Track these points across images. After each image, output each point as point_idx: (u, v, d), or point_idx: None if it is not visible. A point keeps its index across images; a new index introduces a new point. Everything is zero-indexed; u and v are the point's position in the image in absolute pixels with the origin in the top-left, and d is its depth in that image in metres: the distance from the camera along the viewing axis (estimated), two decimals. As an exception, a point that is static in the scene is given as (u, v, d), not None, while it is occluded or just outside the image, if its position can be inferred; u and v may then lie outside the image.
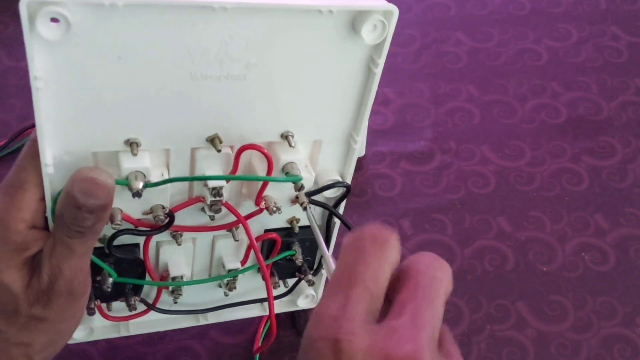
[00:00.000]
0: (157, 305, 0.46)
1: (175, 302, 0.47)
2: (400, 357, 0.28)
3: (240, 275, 0.47)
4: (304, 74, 0.39)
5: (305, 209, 0.42)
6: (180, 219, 0.41)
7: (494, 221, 0.59)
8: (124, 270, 0.43)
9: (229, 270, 0.46)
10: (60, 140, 0.36)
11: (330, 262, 0.37)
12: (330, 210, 0.44)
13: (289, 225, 0.45)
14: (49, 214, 0.37)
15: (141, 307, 0.46)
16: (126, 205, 0.38)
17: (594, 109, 0.67)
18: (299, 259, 0.46)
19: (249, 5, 0.36)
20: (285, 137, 0.40)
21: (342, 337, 0.28)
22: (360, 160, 0.63)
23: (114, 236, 0.39)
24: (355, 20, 0.37)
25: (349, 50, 0.39)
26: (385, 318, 0.30)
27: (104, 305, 0.45)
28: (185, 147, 0.39)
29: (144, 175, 0.37)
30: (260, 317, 0.52)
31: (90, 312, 0.43)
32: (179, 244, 0.43)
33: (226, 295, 0.48)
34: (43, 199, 0.37)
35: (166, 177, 0.39)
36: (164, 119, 0.38)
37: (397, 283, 0.32)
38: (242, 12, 0.36)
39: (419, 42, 0.72)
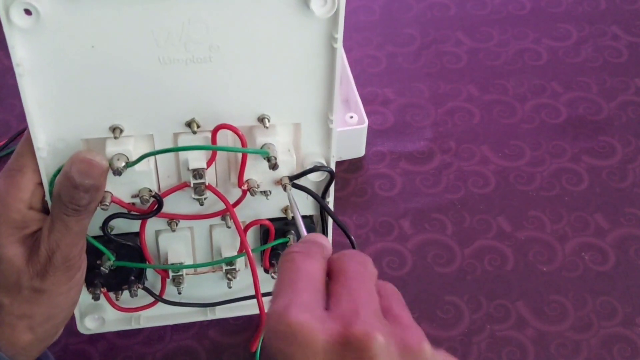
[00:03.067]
0: (165, 297, 0.48)
1: (180, 293, 0.48)
2: (356, 336, 0.31)
3: (243, 269, 0.48)
4: (268, 55, 0.40)
5: (284, 188, 0.43)
6: (174, 206, 0.44)
7: (494, 221, 0.59)
8: (125, 258, 0.45)
9: (221, 254, 0.47)
10: (51, 127, 0.40)
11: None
12: (311, 195, 0.45)
13: (283, 215, 0.46)
14: (47, 195, 0.41)
15: (149, 299, 0.48)
16: (115, 189, 0.41)
17: (594, 109, 0.67)
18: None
19: None
20: (261, 120, 0.42)
21: (295, 324, 0.31)
22: (360, 160, 0.63)
23: (108, 219, 0.42)
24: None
25: (306, 28, 0.40)
26: (329, 308, 0.33)
27: (113, 296, 0.47)
28: (167, 132, 0.42)
29: (127, 157, 0.40)
30: (261, 316, 0.52)
31: (95, 297, 0.45)
32: (173, 231, 0.45)
33: (229, 287, 0.49)
34: (40, 183, 0.41)
35: (152, 163, 0.42)
36: (143, 105, 0.40)
37: (330, 279, 0.35)
38: None
39: (418, 42, 0.72)
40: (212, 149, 0.41)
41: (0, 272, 0.40)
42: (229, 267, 0.48)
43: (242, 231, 0.44)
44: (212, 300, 0.49)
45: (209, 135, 0.41)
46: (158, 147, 0.42)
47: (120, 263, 0.44)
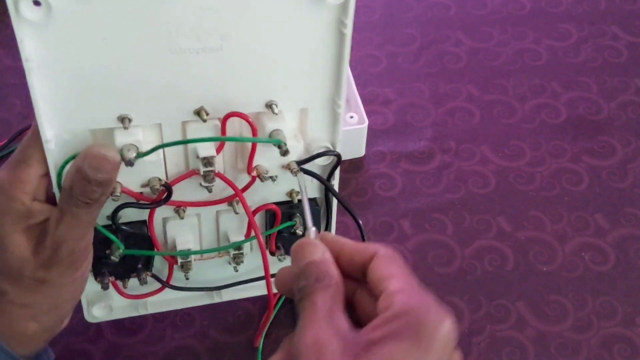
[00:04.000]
0: (171, 283, 0.48)
1: (187, 279, 0.49)
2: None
3: (249, 252, 0.49)
4: (278, 42, 0.41)
5: (295, 174, 0.43)
6: (181, 194, 0.44)
7: (494, 221, 0.59)
8: (133, 246, 0.45)
9: (228, 238, 0.48)
10: (58, 119, 0.39)
11: (311, 231, 0.37)
12: (319, 180, 0.45)
13: (289, 199, 0.47)
14: (54, 187, 0.40)
15: (156, 285, 0.48)
16: (125, 179, 0.41)
17: (594, 108, 0.67)
18: (300, 229, 0.47)
19: None
20: (269, 106, 0.42)
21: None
22: (360, 160, 0.63)
23: (118, 209, 0.42)
24: None
25: (317, 14, 0.40)
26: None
27: (120, 283, 0.47)
28: (175, 121, 0.41)
29: (137, 148, 0.40)
30: (262, 315, 0.52)
31: (104, 287, 0.46)
32: (182, 218, 0.45)
33: (236, 271, 0.50)
34: (45, 175, 0.40)
35: (160, 152, 0.41)
36: (152, 94, 0.40)
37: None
38: None
39: (418, 42, 0.72)
40: (225, 139, 0.41)
41: (3, 260, 0.40)
42: (236, 252, 0.48)
43: (252, 216, 0.45)
44: (218, 284, 0.50)
45: (218, 123, 0.41)
46: (166, 136, 0.42)
47: (130, 251, 0.44)
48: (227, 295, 0.51)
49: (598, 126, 0.66)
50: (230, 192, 0.44)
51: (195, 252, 0.47)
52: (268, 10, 0.39)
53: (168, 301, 0.50)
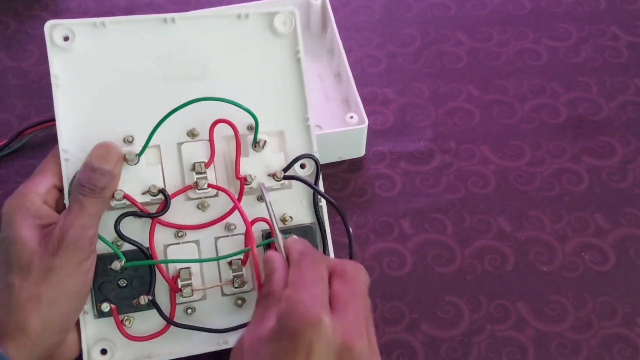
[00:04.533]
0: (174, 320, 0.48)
1: (189, 312, 0.48)
2: (295, 322, 0.38)
3: (254, 291, 0.49)
4: (248, 71, 0.50)
5: (280, 180, 0.49)
6: (180, 218, 0.49)
7: (494, 221, 0.59)
8: (135, 275, 0.48)
9: (231, 264, 0.49)
10: (74, 130, 0.48)
11: (279, 240, 0.45)
12: (303, 181, 0.50)
13: (282, 225, 0.50)
14: (65, 197, 0.46)
15: (158, 322, 0.48)
16: (127, 187, 0.46)
17: (594, 109, 0.67)
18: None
19: (191, 15, 0.50)
20: (250, 128, 0.50)
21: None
22: (360, 160, 0.63)
23: (120, 218, 0.46)
24: (271, 20, 0.50)
25: (276, 47, 0.51)
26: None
27: (126, 323, 0.47)
28: (172, 142, 0.49)
29: (136, 153, 0.47)
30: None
31: (103, 312, 0.47)
32: (180, 238, 0.49)
33: (239, 305, 0.49)
34: (57, 186, 0.47)
35: (159, 169, 0.48)
36: (151, 118, 0.46)
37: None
38: (187, 21, 0.49)
39: (418, 42, 0.72)
40: (210, 99, 0.46)
41: (13, 252, 0.43)
42: (238, 289, 0.49)
43: (247, 219, 0.47)
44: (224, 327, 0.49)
45: (207, 139, 0.48)
46: (165, 157, 0.49)
47: (130, 264, 0.46)
48: (233, 340, 0.49)
49: (598, 126, 0.66)
50: (226, 210, 0.49)
51: (191, 261, 0.48)
52: (236, 45, 0.50)
53: (171, 352, 0.49)
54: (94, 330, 0.47)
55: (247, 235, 0.46)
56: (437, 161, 0.63)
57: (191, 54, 0.49)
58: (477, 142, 0.64)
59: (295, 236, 0.46)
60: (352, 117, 0.61)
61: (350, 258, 0.49)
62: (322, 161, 0.62)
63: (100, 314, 0.47)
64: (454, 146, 0.64)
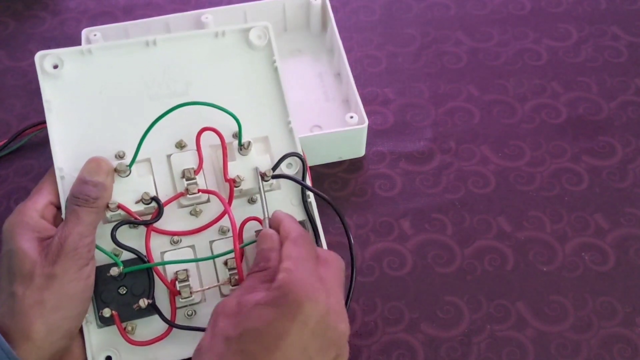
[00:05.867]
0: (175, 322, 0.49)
1: (189, 315, 0.49)
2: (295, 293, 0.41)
3: None
4: (229, 84, 0.53)
5: (268, 179, 0.51)
6: (175, 225, 0.50)
7: (494, 221, 0.59)
8: (133, 277, 0.49)
9: (226, 263, 0.49)
10: (68, 150, 0.50)
11: (266, 223, 0.48)
12: (290, 178, 0.51)
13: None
14: (62, 211, 0.49)
15: (159, 327, 0.48)
16: (121, 198, 0.49)
17: (594, 109, 0.67)
18: None
19: (171, 37, 0.53)
20: (235, 135, 0.51)
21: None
22: (360, 160, 0.63)
23: (116, 227, 0.48)
24: (247, 35, 0.54)
25: (253, 57, 0.54)
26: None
27: (129, 329, 0.48)
28: (161, 155, 0.51)
29: (127, 164, 0.50)
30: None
31: (107, 318, 0.47)
32: (175, 245, 0.50)
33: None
34: (53, 203, 0.49)
35: (151, 180, 0.50)
36: (140, 133, 0.49)
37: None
38: (167, 43, 0.53)
39: (418, 42, 0.72)
40: (192, 104, 0.49)
41: (15, 263, 0.45)
42: (235, 288, 0.49)
43: (230, 211, 0.48)
44: None
45: (194, 149, 0.51)
46: (156, 169, 0.51)
47: (128, 269, 0.48)
48: None
49: (598, 126, 0.66)
50: (217, 214, 0.51)
51: (187, 261, 0.49)
52: (217, 60, 0.54)
53: (176, 352, 0.49)
54: (98, 338, 0.48)
55: (233, 231, 0.48)
56: (437, 161, 0.63)
57: (174, 72, 0.53)
58: (477, 142, 0.64)
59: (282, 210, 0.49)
60: (352, 117, 0.61)
61: (349, 243, 0.50)
62: (322, 161, 0.62)
63: (102, 321, 0.48)
64: (454, 146, 0.64)
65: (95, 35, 0.65)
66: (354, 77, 0.63)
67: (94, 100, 0.52)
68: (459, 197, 0.61)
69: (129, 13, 0.74)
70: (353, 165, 0.63)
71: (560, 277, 0.56)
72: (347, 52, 0.66)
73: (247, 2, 0.68)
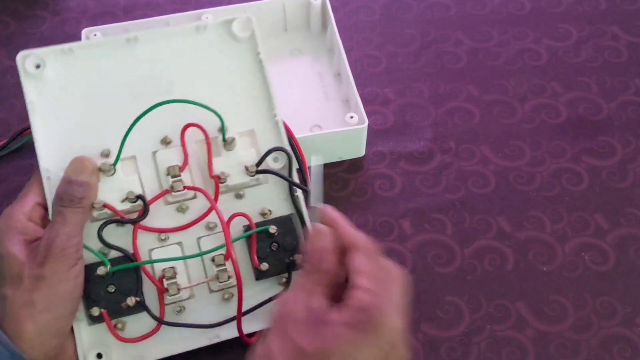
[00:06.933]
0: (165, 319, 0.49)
1: (178, 311, 0.49)
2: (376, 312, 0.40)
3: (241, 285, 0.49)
4: (214, 78, 0.52)
5: (253, 174, 0.50)
6: (161, 222, 0.50)
7: (494, 221, 0.59)
8: (121, 276, 0.48)
9: (214, 260, 0.49)
10: (52, 151, 0.50)
11: (316, 207, 0.46)
12: (276, 174, 0.51)
13: (262, 219, 0.51)
14: (50, 212, 0.48)
15: (149, 324, 0.48)
16: (107, 197, 0.49)
17: (594, 109, 0.67)
18: (278, 238, 0.50)
19: (152, 33, 0.52)
20: (220, 130, 0.50)
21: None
22: (360, 160, 0.63)
23: (103, 226, 0.48)
24: (230, 28, 0.53)
25: (237, 52, 0.53)
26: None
27: (119, 326, 0.48)
28: (147, 152, 0.51)
29: (112, 163, 0.49)
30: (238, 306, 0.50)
31: (96, 316, 0.48)
32: (164, 241, 0.50)
33: (225, 298, 0.50)
34: (40, 203, 0.49)
35: (136, 175, 0.50)
36: (123, 131, 0.48)
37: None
38: (149, 39, 0.52)
39: (418, 42, 0.72)
40: (177, 102, 0.48)
41: (3, 266, 0.45)
42: (223, 284, 0.49)
43: (219, 210, 0.48)
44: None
45: (179, 145, 0.50)
46: (142, 167, 0.50)
47: (115, 268, 0.48)
48: (226, 333, 0.50)
49: (598, 126, 0.66)
50: (203, 210, 0.50)
51: (175, 259, 0.49)
52: (199, 56, 0.52)
53: (164, 349, 0.49)
54: (89, 336, 0.48)
55: (223, 227, 0.48)
56: (437, 161, 0.63)
57: (157, 69, 0.51)
58: (477, 142, 0.64)
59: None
60: (352, 117, 0.61)
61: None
62: (321, 161, 0.62)
63: (92, 320, 0.48)
64: (453, 146, 0.64)
65: (95, 35, 0.65)
66: (354, 77, 0.63)
67: (78, 99, 0.51)
68: (459, 197, 0.61)
69: (129, 13, 0.74)
70: (353, 165, 0.63)
71: (560, 277, 0.56)
72: (347, 52, 0.66)
73: (247, 2, 0.68)
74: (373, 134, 0.64)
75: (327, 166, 0.62)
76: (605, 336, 0.53)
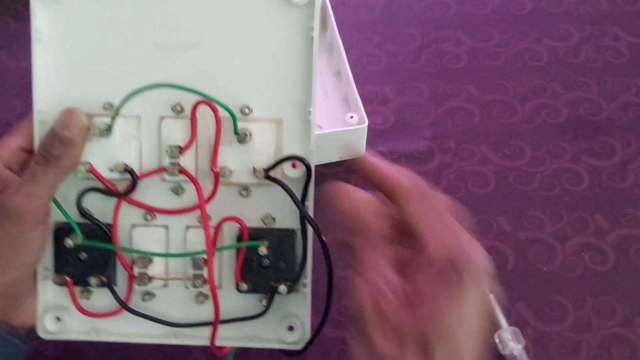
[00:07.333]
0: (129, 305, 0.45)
1: (143, 300, 0.45)
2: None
3: (220, 294, 0.44)
4: (250, 44, 0.43)
5: (260, 178, 0.43)
6: (152, 199, 0.44)
7: (494, 221, 0.59)
8: (95, 252, 0.44)
9: (193, 261, 0.44)
10: (52, 93, 0.43)
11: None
12: (283, 187, 0.43)
13: (264, 226, 0.44)
14: None
15: (110, 302, 0.45)
16: (95, 160, 0.43)
17: (595, 109, 0.67)
18: (267, 256, 0.43)
19: None
20: (243, 110, 0.43)
21: None
22: (360, 160, 0.63)
23: (83, 193, 0.43)
24: None
25: (285, 16, 0.43)
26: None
27: (85, 295, 0.45)
28: (153, 115, 0.44)
29: (110, 126, 0.43)
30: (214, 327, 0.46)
31: (60, 282, 0.44)
32: (148, 221, 0.45)
33: (199, 302, 0.45)
34: (24, 149, 0.43)
35: (134, 145, 0.44)
36: (134, 86, 0.41)
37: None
38: None
39: (418, 41, 0.72)
40: (182, 89, 0.41)
41: None
42: (198, 273, 0.45)
43: (206, 214, 0.43)
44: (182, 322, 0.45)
45: (189, 116, 0.43)
46: (144, 131, 0.44)
47: (88, 243, 0.43)
48: (186, 339, 0.46)
49: (598, 126, 0.66)
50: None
51: (153, 254, 0.44)
52: (240, 11, 0.43)
53: (121, 334, 0.46)
54: (52, 296, 0.45)
55: (206, 235, 0.42)
56: (436, 161, 0.63)
57: (188, 18, 0.43)
58: (477, 142, 0.64)
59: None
60: (352, 117, 0.61)
61: (329, 271, 0.42)
62: (322, 161, 0.62)
63: (58, 284, 0.44)
64: (453, 146, 0.64)
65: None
66: (354, 75, 0.63)
67: (92, 37, 0.43)
68: (459, 197, 0.61)
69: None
70: (353, 165, 0.63)
71: (560, 277, 0.56)
72: (347, 50, 0.66)
73: None
74: (373, 134, 0.64)
75: (327, 166, 0.62)
76: (605, 336, 0.53)
